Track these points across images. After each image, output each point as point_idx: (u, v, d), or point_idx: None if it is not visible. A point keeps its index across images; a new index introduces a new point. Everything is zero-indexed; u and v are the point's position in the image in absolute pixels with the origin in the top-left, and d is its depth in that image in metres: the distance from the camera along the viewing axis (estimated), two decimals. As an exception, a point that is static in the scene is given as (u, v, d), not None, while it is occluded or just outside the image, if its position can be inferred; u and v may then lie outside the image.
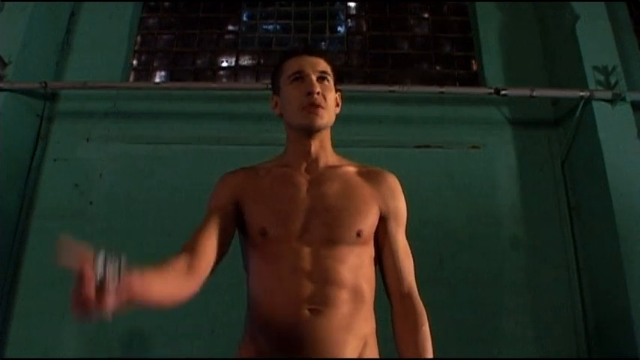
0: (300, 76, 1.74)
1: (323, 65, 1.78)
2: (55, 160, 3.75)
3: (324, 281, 1.55)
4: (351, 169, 1.80)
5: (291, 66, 1.77)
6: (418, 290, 1.72)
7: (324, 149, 1.78)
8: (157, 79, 4.26)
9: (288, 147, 1.81)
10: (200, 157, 3.70)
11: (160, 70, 4.30)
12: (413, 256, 1.77)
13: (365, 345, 1.57)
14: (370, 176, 1.79)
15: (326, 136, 1.79)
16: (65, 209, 3.61)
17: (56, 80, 3.95)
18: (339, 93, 1.85)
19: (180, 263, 1.47)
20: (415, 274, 1.75)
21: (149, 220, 3.55)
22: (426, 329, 1.63)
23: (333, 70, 1.82)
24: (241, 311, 1.74)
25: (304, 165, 1.75)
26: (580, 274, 3.49)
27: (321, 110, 1.69)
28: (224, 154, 3.63)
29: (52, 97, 3.91)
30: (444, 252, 3.49)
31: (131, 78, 4.20)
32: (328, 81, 1.77)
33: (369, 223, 1.68)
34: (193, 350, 3.27)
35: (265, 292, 1.58)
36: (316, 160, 1.76)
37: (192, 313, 3.24)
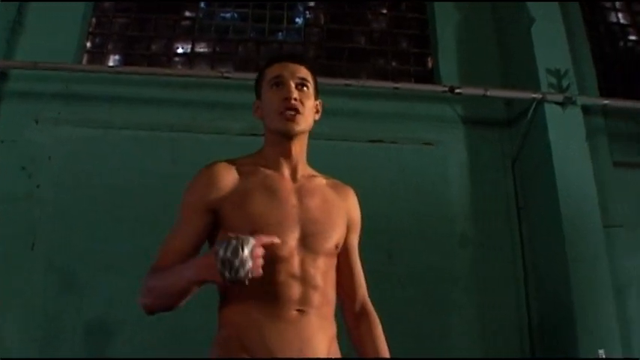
0: (280, 82, 1.77)
1: (303, 72, 1.81)
2: (2, 141, 3.66)
3: (308, 285, 1.65)
4: (323, 182, 1.88)
5: (272, 71, 1.81)
6: (366, 284, 1.83)
7: (302, 154, 1.83)
8: (111, 63, 4.19)
9: (268, 148, 1.83)
10: (151, 144, 3.65)
11: (114, 54, 4.24)
12: (362, 250, 1.85)
13: (330, 345, 1.67)
14: (338, 190, 1.89)
15: (304, 140, 1.84)
16: (12, 192, 3.53)
17: (6, 59, 3.84)
18: (319, 101, 1.90)
19: None
20: (364, 268, 1.84)
21: (97, 205, 3.49)
22: (380, 328, 1.83)
23: (314, 78, 1.86)
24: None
25: (287, 169, 1.80)
26: (526, 273, 3.57)
27: (297, 116, 1.73)
28: (176, 141, 3.60)
29: (1, 76, 3.80)
30: (394, 247, 3.52)
31: (84, 60, 4.12)
32: (307, 88, 1.80)
33: (342, 236, 1.81)
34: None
35: (254, 294, 1.61)
36: (297, 165, 1.80)
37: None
